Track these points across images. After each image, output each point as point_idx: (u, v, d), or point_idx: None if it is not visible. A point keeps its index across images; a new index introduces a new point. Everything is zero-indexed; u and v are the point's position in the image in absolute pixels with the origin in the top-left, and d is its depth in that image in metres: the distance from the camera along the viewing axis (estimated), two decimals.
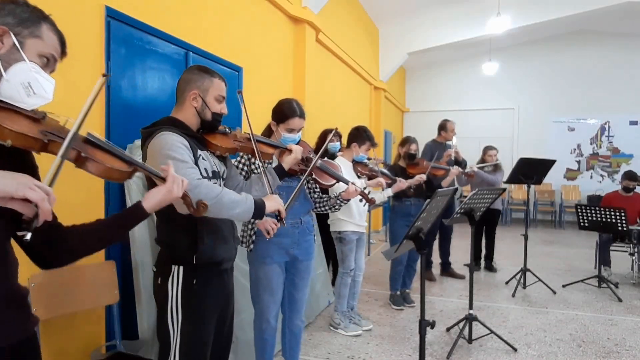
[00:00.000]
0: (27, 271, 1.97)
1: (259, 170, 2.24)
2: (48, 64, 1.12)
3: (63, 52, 1.15)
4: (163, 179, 1.27)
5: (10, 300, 1.08)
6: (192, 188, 1.44)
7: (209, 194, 1.49)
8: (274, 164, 2.07)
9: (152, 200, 1.25)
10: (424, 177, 3.94)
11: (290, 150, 2.02)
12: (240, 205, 1.59)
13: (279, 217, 1.76)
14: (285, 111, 2.29)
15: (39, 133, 1.02)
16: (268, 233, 2.11)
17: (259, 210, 1.64)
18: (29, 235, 0.93)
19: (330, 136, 2.57)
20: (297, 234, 2.44)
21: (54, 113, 1.13)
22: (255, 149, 1.85)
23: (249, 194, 1.65)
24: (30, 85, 1.05)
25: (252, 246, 2.36)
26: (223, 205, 1.54)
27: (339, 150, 4.19)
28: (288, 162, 2.00)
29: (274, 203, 1.71)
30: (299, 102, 2.37)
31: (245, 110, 1.85)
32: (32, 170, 1.14)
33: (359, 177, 3.55)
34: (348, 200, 2.47)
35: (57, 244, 1.16)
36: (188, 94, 1.69)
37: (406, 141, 4.29)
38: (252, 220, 2.14)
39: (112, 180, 1.19)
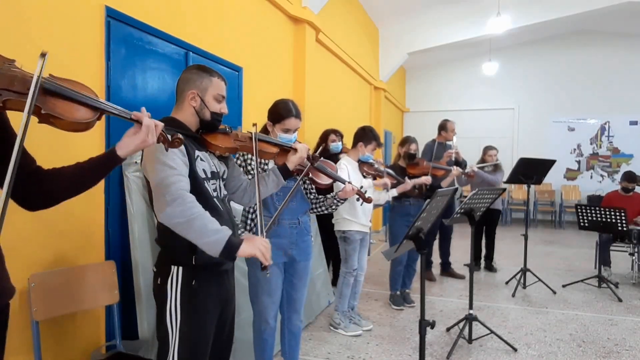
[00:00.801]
0: (27, 271, 1.98)
1: (253, 172, 2.23)
2: None
3: None
4: (137, 122, 1.25)
5: None
6: (170, 199, 1.45)
7: (183, 212, 1.45)
8: (269, 165, 2.05)
9: (127, 148, 1.26)
10: (429, 178, 3.94)
11: (295, 150, 1.98)
12: (209, 236, 1.45)
13: (262, 266, 1.54)
14: (280, 111, 2.28)
15: None
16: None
17: (229, 250, 1.46)
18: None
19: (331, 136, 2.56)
20: (295, 234, 2.44)
21: (14, 61, 1.08)
22: (255, 149, 1.82)
23: (230, 230, 1.52)
24: None
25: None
26: (191, 229, 1.46)
27: (341, 150, 4.20)
28: (294, 161, 1.97)
29: (251, 247, 1.50)
30: (295, 102, 2.36)
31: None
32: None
33: (364, 177, 3.55)
34: (345, 199, 2.47)
35: (37, 187, 1.20)
36: (187, 93, 1.68)
37: (406, 141, 4.29)
38: (248, 224, 2.12)
39: (78, 132, 1.18)
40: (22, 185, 1.17)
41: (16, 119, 1.09)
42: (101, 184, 2.46)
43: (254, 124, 1.90)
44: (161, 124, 1.30)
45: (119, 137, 1.30)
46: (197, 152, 1.66)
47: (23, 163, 1.17)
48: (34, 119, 1.05)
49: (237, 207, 2.34)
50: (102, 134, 2.47)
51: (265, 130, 2.37)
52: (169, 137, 1.30)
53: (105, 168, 1.28)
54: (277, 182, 1.97)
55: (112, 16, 2.52)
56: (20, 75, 1.06)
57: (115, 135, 2.49)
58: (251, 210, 2.37)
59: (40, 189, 1.22)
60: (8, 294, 1.16)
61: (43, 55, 1.02)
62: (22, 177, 1.16)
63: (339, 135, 4.37)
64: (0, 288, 1.12)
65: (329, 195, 2.54)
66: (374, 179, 3.63)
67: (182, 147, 1.57)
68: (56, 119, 1.08)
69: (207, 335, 1.70)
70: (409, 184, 3.70)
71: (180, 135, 1.31)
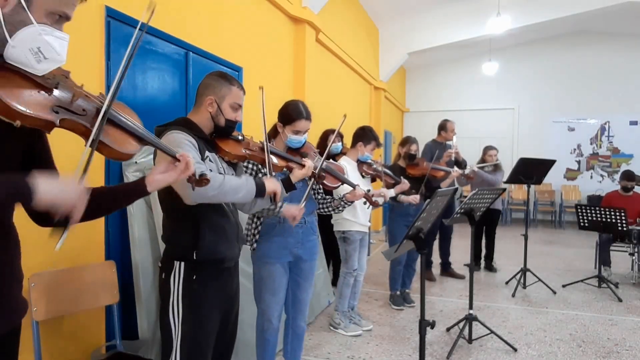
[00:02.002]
0: (26, 271, 1.97)
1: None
2: (60, 19, 0.98)
3: None
4: (175, 159, 1.22)
5: (11, 283, 1.04)
6: None
7: (214, 184, 1.54)
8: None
9: (158, 185, 1.23)
10: (417, 198, 3.93)
11: (302, 166, 2.03)
12: (242, 189, 1.66)
13: (273, 200, 1.80)
14: (291, 113, 2.29)
15: (49, 112, 0.92)
16: (294, 219, 2.14)
17: (260, 190, 1.72)
18: (60, 243, 0.94)
19: (332, 137, 2.57)
20: (301, 233, 2.44)
21: (69, 73, 1.03)
22: (267, 160, 1.87)
23: (249, 177, 1.72)
24: (40, 50, 0.92)
25: (255, 245, 2.36)
26: (226, 193, 1.61)
27: (341, 151, 4.20)
28: (298, 176, 2.02)
29: (272, 184, 1.77)
30: (305, 104, 2.37)
31: (264, 107, 1.89)
32: (43, 156, 1.10)
33: (363, 176, 3.56)
34: (352, 202, 2.49)
35: None
36: (205, 98, 1.74)
37: (406, 141, 4.29)
38: (270, 212, 2.18)
39: (117, 160, 1.17)
40: None
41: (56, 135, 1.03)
42: (101, 185, 2.46)
43: (266, 136, 1.92)
44: (193, 166, 1.27)
45: None
46: (207, 153, 1.71)
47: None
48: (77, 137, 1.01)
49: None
50: None
51: (275, 131, 2.37)
52: (197, 176, 1.29)
53: (131, 199, 1.26)
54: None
55: (112, 16, 2.52)
56: (80, 94, 1.02)
57: None
58: (254, 217, 2.38)
59: None
60: (22, 309, 1.10)
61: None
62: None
63: (340, 136, 4.37)
64: (14, 303, 1.07)
65: (336, 197, 2.55)
66: (373, 179, 3.63)
67: (195, 143, 1.64)
68: (105, 147, 1.04)
69: (209, 332, 1.72)
70: (406, 184, 3.71)
71: (208, 176, 1.32)
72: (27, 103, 0.89)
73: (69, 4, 0.98)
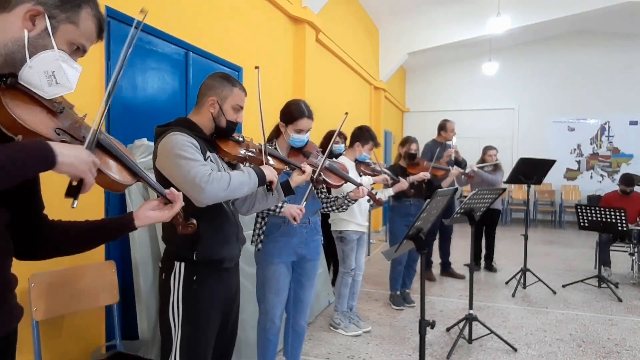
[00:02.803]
0: (26, 271, 1.97)
1: None
2: (77, 50, 1.04)
3: (99, 37, 1.08)
4: (165, 198, 1.21)
5: (5, 293, 1.04)
6: (205, 185, 1.54)
7: (222, 185, 1.58)
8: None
9: (146, 222, 1.21)
10: (427, 174, 3.94)
11: (302, 171, 2.02)
12: (247, 182, 1.68)
13: (269, 187, 1.81)
14: (293, 112, 2.29)
15: (52, 132, 0.96)
16: (294, 219, 2.15)
17: (262, 179, 1.74)
18: (75, 203, 0.97)
19: (334, 137, 2.57)
20: (305, 233, 2.44)
21: (74, 106, 1.07)
22: (264, 162, 1.86)
23: (250, 169, 1.73)
24: (54, 75, 0.98)
25: (260, 245, 2.36)
26: (236, 189, 1.64)
27: (343, 152, 4.20)
28: (297, 181, 2.01)
29: (269, 172, 1.78)
30: (307, 103, 2.37)
31: (259, 86, 1.90)
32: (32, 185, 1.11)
33: (361, 176, 3.56)
34: (356, 200, 2.48)
35: (42, 236, 1.14)
36: (207, 99, 1.74)
37: (406, 141, 4.29)
38: (271, 212, 2.19)
39: (111, 191, 1.17)
40: (26, 234, 1.10)
41: None
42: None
43: (265, 139, 1.92)
44: (180, 211, 1.25)
45: (119, 136, 1.29)
46: (208, 153, 1.71)
47: (32, 209, 1.12)
48: None
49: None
50: None
51: (277, 130, 2.38)
52: (183, 219, 1.27)
53: (117, 234, 1.22)
54: (277, 197, 1.99)
55: (112, 16, 2.52)
56: (80, 122, 1.06)
57: (115, 134, 2.48)
58: (259, 217, 2.38)
59: (46, 240, 1.15)
60: (17, 315, 1.09)
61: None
62: (28, 225, 1.11)
63: (343, 137, 4.37)
64: (7, 308, 1.06)
65: (340, 196, 2.55)
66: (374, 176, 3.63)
67: (197, 144, 1.64)
68: (100, 174, 1.05)
69: (209, 332, 1.72)
70: (404, 183, 3.71)
71: (195, 223, 1.29)
72: (33, 120, 0.93)
73: (89, 39, 1.05)
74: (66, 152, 0.91)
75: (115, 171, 1.10)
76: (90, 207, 2.38)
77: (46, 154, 0.88)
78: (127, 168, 1.14)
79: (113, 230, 1.21)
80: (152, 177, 1.25)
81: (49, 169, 0.89)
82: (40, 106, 0.98)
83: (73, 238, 1.20)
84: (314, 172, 2.11)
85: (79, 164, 0.93)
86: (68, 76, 1.00)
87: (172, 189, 1.22)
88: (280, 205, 2.25)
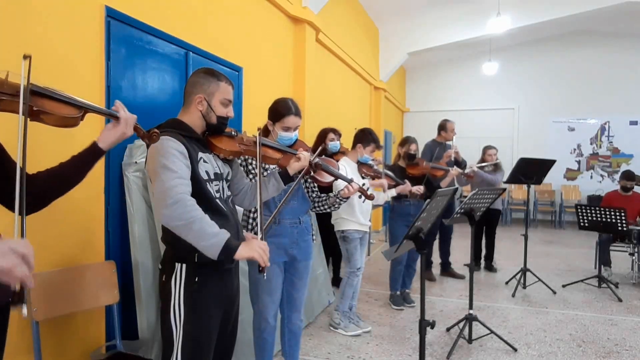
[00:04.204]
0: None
1: (254, 172, 2.24)
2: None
3: None
4: (117, 118, 1.35)
5: None
6: (167, 205, 1.48)
7: (182, 215, 1.48)
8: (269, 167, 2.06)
9: (108, 140, 1.36)
10: (421, 188, 3.93)
11: (298, 158, 2.00)
12: (208, 239, 1.48)
13: (260, 268, 1.58)
14: (280, 109, 2.28)
15: None
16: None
17: (227, 253, 1.49)
18: (25, 309, 0.89)
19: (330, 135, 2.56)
20: (295, 233, 2.44)
21: None
22: (258, 154, 1.85)
23: (228, 233, 1.53)
24: None
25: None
26: (190, 232, 1.48)
27: (339, 150, 4.20)
28: (294, 168, 1.98)
29: (249, 250, 1.54)
30: (294, 100, 2.36)
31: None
32: None
33: (363, 178, 3.56)
34: (347, 198, 2.44)
35: (28, 192, 1.19)
36: (194, 97, 1.71)
37: (406, 141, 4.29)
38: (250, 223, 2.14)
39: (68, 128, 1.27)
40: (9, 190, 1.17)
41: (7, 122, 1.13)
42: (101, 184, 2.46)
43: (259, 129, 1.92)
44: (134, 117, 1.39)
45: None
46: (200, 154, 1.68)
47: (8, 168, 1.23)
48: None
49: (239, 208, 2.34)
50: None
51: (266, 129, 2.37)
52: (146, 131, 1.41)
53: (89, 163, 1.36)
54: (277, 186, 1.98)
55: (112, 16, 2.52)
56: (4, 81, 1.13)
57: None
58: (252, 209, 2.37)
59: (31, 193, 1.23)
60: (6, 292, 1.15)
61: (26, 57, 1.07)
62: (8, 182, 1.19)
63: (338, 134, 4.37)
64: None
65: (331, 194, 2.54)
66: (373, 180, 3.64)
67: (185, 150, 1.60)
68: (47, 115, 1.18)
69: (211, 333, 1.72)
70: (408, 186, 3.72)
71: (156, 130, 1.42)
72: None
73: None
74: None
75: (59, 109, 1.21)
76: (91, 200, 2.38)
77: None
78: (69, 104, 1.25)
79: (86, 159, 1.35)
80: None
81: None
82: None
83: (57, 182, 1.33)
84: (310, 164, 2.06)
85: (3, 260, 0.84)
86: None
87: (115, 106, 1.38)
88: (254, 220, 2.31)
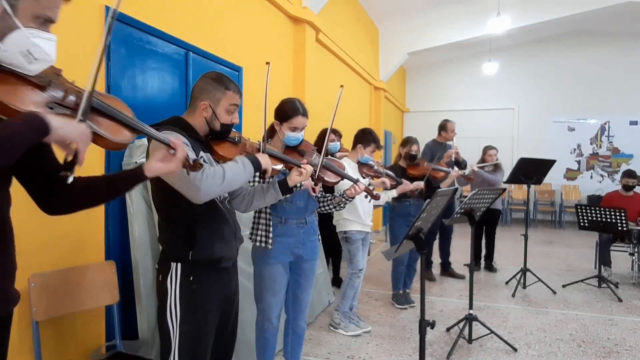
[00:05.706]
0: (26, 271, 1.97)
1: (255, 179, 2.22)
2: (46, 22, 1.04)
3: None
4: (170, 147, 1.27)
5: (4, 276, 1.09)
6: (200, 183, 1.50)
7: (217, 181, 1.55)
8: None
9: (156, 172, 1.30)
10: (421, 183, 3.93)
11: (300, 172, 1.95)
12: (242, 174, 1.65)
13: (262, 176, 1.78)
14: (287, 110, 2.28)
15: (44, 108, 0.99)
16: (314, 190, 2.12)
17: (257, 167, 1.71)
18: (70, 179, 1.01)
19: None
20: (301, 233, 2.43)
21: (61, 70, 1.11)
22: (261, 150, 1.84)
23: (244, 158, 1.69)
24: (30, 52, 0.98)
25: (271, 243, 2.31)
26: (231, 183, 1.61)
27: (339, 150, 4.20)
28: (295, 181, 1.95)
29: (264, 161, 1.74)
30: (302, 101, 2.36)
31: (268, 82, 1.94)
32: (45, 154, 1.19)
33: (363, 178, 3.56)
34: (353, 197, 2.44)
35: (63, 192, 1.21)
36: (199, 103, 1.70)
37: (407, 142, 4.29)
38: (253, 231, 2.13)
39: (113, 150, 1.28)
40: (48, 188, 1.19)
41: None
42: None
43: (264, 138, 1.90)
44: (186, 154, 1.32)
45: None
46: (201, 153, 1.68)
47: (51, 166, 1.19)
48: None
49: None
50: None
51: (272, 129, 2.36)
52: (192, 162, 1.33)
53: (129, 186, 1.31)
54: (275, 196, 1.96)
55: (112, 16, 2.51)
56: (72, 90, 1.08)
57: None
58: (255, 215, 2.37)
59: (66, 195, 1.22)
60: (11, 300, 1.13)
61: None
62: (49, 180, 1.18)
63: (338, 134, 4.36)
64: (2, 294, 1.10)
65: (337, 194, 2.53)
66: (373, 180, 3.63)
67: (189, 142, 1.61)
68: (99, 138, 1.10)
69: (208, 332, 1.72)
70: (408, 185, 3.71)
71: (201, 161, 1.36)
72: (23, 101, 0.96)
73: (52, 8, 1.03)
74: (59, 121, 0.95)
75: (112, 131, 1.14)
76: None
77: (39, 124, 0.92)
78: (125, 125, 1.18)
79: (127, 180, 1.30)
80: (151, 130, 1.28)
81: (44, 137, 0.93)
82: (27, 84, 1.00)
83: (93, 192, 1.27)
84: (314, 171, 2.06)
85: (71, 130, 0.97)
86: (45, 50, 1.01)
87: (172, 140, 1.28)
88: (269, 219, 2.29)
